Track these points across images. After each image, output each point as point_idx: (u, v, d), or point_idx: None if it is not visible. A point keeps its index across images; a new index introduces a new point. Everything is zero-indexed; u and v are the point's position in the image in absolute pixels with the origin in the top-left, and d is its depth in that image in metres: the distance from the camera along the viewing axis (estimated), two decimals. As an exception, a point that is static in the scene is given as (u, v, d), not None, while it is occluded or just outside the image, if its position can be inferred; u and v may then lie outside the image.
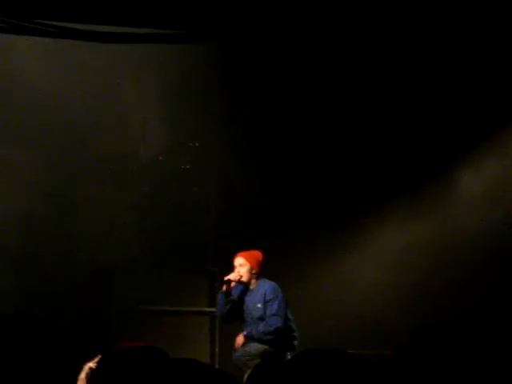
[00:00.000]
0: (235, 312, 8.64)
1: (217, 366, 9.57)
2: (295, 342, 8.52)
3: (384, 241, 10.13)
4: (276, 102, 10.07)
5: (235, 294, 8.60)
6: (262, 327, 8.43)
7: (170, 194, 10.29)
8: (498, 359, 2.52)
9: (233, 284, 8.58)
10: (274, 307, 8.42)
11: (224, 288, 8.61)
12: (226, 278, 8.57)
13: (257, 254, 8.64)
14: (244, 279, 8.57)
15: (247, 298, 8.59)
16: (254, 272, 8.57)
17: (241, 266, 8.58)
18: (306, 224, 10.17)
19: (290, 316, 8.59)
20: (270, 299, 8.46)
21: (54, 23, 6.99)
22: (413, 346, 2.58)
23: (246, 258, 8.58)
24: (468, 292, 9.80)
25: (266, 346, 8.40)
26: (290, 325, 8.54)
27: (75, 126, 9.82)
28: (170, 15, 7.08)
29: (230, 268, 8.76)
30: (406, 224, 10.10)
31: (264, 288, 8.52)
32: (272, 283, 8.57)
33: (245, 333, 8.53)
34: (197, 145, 10.37)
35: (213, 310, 9.87)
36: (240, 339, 8.58)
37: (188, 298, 10.10)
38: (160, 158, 10.40)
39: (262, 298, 8.48)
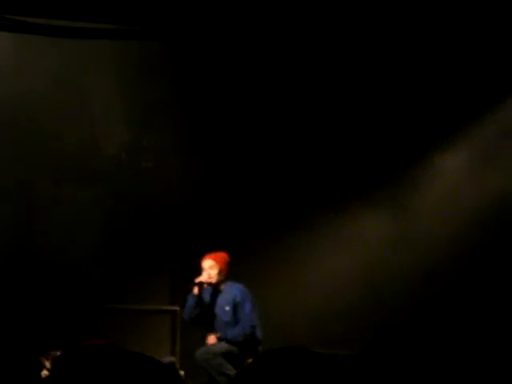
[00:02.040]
0: (203, 315, 8.59)
1: (178, 364, 9.54)
2: (259, 348, 8.48)
3: (354, 237, 10.13)
4: (236, 98, 10.06)
5: (206, 297, 8.55)
6: (238, 329, 8.39)
7: (132, 191, 10.24)
8: (461, 357, 2.51)
9: (204, 286, 8.53)
10: (246, 308, 8.40)
11: (196, 291, 8.55)
12: (198, 281, 8.51)
13: (224, 256, 8.62)
14: (214, 281, 8.52)
15: (216, 301, 8.54)
16: (223, 274, 8.53)
17: (211, 268, 8.54)
18: (270, 223, 10.15)
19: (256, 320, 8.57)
20: (239, 301, 8.42)
21: (11, 17, 6.93)
22: (374, 345, 2.56)
23: (216, 260, 8.55)
24: (439, 289, 9.83)
25: (230, 347, 8.37)
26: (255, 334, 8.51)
27: (37, 122, 9.74)
28: (126, 11, 7.05)
29: (193, 268, 8.70)
30: (375, 221, 10.10)
31: (233, 290, 8.49)
32: (240, 285, 8.55)
33: (218, 335, 8.49)
34: (156, 143, 10.33)
35: (174, 308, 9.83)
36: (212, 339, 8.54)
37: (149, 295, 10.05)
38: (123, 155, 10.34)
39: (231, 300, 8.45)
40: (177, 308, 9.72)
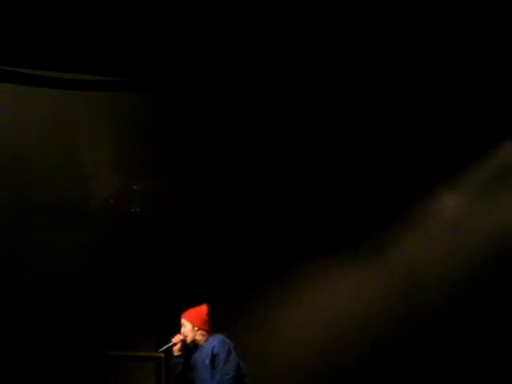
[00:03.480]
0: (188, 372, 8.59)
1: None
2: None
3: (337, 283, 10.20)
4: (224, 146, 10.19)
5: (185, 355, 8.55)
6: (216, 381, 8.36)
7: (121, 236, 10.31)
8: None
9: (177, 346, 8.54)
10: (221, 358, 8.33)
11: (173, 351, 8.55)
12: (172, 343, 8.53)
13: (199, 311, 8.55)
14: (188, 339, 8.50)
15: (196, 356, 8.54)
16: (197, 329, 8.49)
17: (183, 326, 8.52)
18: (259, 266, 10.22)
19: (244, 371, 8.53)
20: (216, 354, 8.41)
21: (6, 68, 7.04)
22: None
23: (187, 318, 8.51)
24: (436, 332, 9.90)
25: None
26: (244, 380, 8.45)
27: (25, 167, 9.83)
28: (117, 63, 7.17)
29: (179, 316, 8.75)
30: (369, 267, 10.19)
31: (212, 343, 8.43)
32: (220, 336, 8.46)
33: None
34: (145, 188, 10.42)
35: (159, 355, 9.83)
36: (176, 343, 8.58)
37: (135, 342, 10.07)
38: (112, 201, 10.42)
39: (209, 353, 8.40)
40: (161, 355, 9.73)
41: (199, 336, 8.47)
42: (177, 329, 8.64)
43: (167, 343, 8.52)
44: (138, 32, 7.21)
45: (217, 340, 8.41)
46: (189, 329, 8.48)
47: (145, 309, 10.19)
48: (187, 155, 10.30)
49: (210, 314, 8.56)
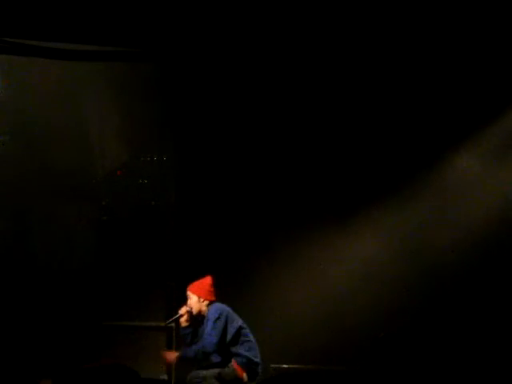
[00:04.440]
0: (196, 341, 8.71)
1: (173, 381, 9.61)
2: (258, 370, 8.54)
3: (345, 251, 10.20)
4: (229, 114, 10.16)
5: (191, 326, 8.65)
6: (193, 347, 8.50)
7: (128, 208, 10.32)
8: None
9: (184, 317, 8.65)
10: (209, 322, 8.49)
11: (181, 322, 8.70)
12: (179, 314, 8.66)
13: (204, 282, 8.71)
14: (194, 311, 8.67)
15: (203, 326, 8.66)
16: (202, 301, 8.66)
17: (189, 297, 8.71)
18: (265, 237, 10.22)
19: (246, 338, 8.61)
20: (209, 319, 8.53)
21: (9, 39, 7.02)
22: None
23: (192, 291, 8.69)
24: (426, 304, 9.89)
25: (222, 370, 8.44)
26: (242, 353, 8.54)
27: (34, 141, 9.84)
28: (119, 34, 7.15)
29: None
30: (367, 233, 10.17)
31: (208, 314, 8.60)
32: (217, 305, 8.64)
33: (179, 353, 8.62)
34: (155, 159, 10.41)
35: (171, 325, 9.88)
36: (170, 355, 8.74)
37: (145, 312, 10.11)
38: (119, 173, 10.42)
39: (205, 325, 8.59)
40: (172, 325, 9.78)
41: (204, 307, 8.63)
42: (184, 300, 8.74)
43: (174, 315, 8.65)
44: (140, 1, 7.19)
45: (213, 307, 8.56)
46: (195, 301, 8.68)
47: (153, 279, 10.22)
48: (193, 125, 10.28)
49: (215, 284, 8.69)
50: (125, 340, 9.90)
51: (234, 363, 8.47)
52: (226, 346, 8.51)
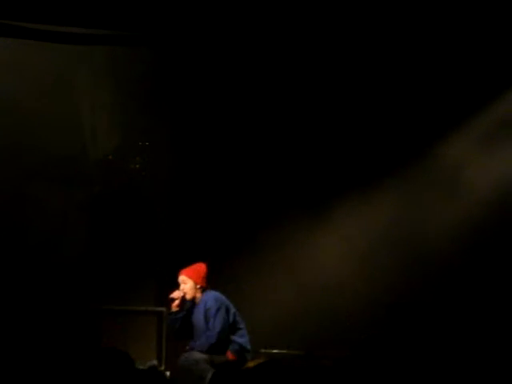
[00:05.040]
0: (185, 328, 8.68)
1: (163, 365, 9.64)
2: (247, 356, 8.57)
3: (333, 237, 10.24)
4: (224, 101, 10.17)
5: (183, 311, 8.64)
6: (203, 340, 8.46)
7: (119, 193, 10.32)
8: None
9: (177, 302, 8.63)
10: (211, 313, 8.45)
11: (172, 307, 8.65)
12: (170, 297, 8.62)
13: (200, 268, 8.66)
14: (188, 296, 8.61)
15: (194, 312, 8.63)
16: (198, 287, 8.61)
17: (184, 282, 8.62)
18: (254, 224, 10.26)
19: (240, 326, 8.64)
20: (209, 308, 8.50)
21: (5, 22, 7.00)
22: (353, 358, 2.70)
23: (188, 275, 8.62)
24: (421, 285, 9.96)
25: (212, 356, 8.45)
26: (237, 340, 8.56)
27: (26, 125, 9.80)
28: (114, 17, 7.14)
29: (179, 270, 8.78)
30: (356, 218, 10.22)
31: (206, 300, 8.55)
32: (214, 293, 8.62)
33: (188, 347, 8.62)
34: (146, 144, 10.41)
35: (160, 309, 9.91)
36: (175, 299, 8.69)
37: (135, 297, 10.13)
38: (110, 157, 10.41)
39: (203, 309, 8.55)
40: (163, 309, 9.81)
41: (199, 293, 8.59)
42: (175, 285, 8.73)
43: (168, 299, 8.61)
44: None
45: (210, 296, 8.54)
46: (190, 286, 8.60)
47: (144, 264, 10.25)
48: (187, 111, 10.28)
49: (208, 271, 8.66)
50: (114, 324, 9.91)
51: (228, 352, 8.50)
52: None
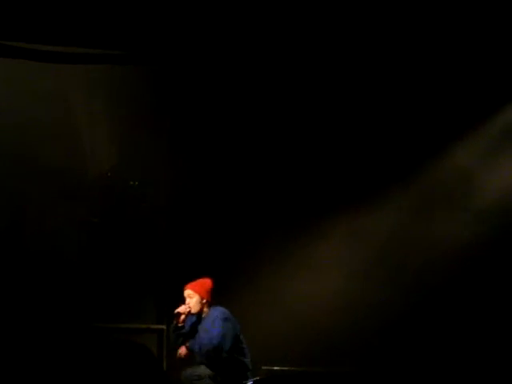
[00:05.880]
0: (189, 343, 8.64)
1: (164, 383, 9.58)
2: (248, 373, 8.50)
3: (331, 253, 10.23)
4: (219, 117, 10.18)
5: (188, 326, 8.59)
6: (206, 343, 8.42)
7: (119, 209, 10.31)
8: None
9: (182, 317, 8.57)
10: (216, 325, 8.40)
11: (175, 321, 8.59)
12: (176, 312, 8.55)
13: (206, 283, 8.60)
14: (194, 310, 8.54)
15: (199, 327, 8.57)
16: (204, 301, 8.55)
17: (190, 297, 8.55)
18: (254, 241, 10.24)
19: (243, 345, 8.57)
20: (214, 320, 8.43)
21: (1, 42, 6.99)
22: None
23: (194, 289, 8.56)
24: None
25: (215, 372, 8.40)
26: (241, 359, 8.50)
27: (24, 139, 9.81)
28: (111, 36, 7.13)
29: (180, 287, 8.74)
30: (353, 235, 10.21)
31: (214, 314, 8.48)
32: (221, 308, 8.55)
33: (187, 344, 8.55)
34: (143, 161, 10.40)
35: (161, 327, 9.88)
36: (182, 350, 8.63)
37: (136, 314, 10.10)
38: (109, 174, 10.40)
39: (211, 324, 8.47)
40: (163, 327, 9.78)
41: (205, 308, 8.53)
42: (175, 301, 8.69)
43: (174, 314, 8.53)
44: (135, 4, 7.17)
45: (218, 311, 8.48)
46: (197, 300, 8.52)
47: (144, 281, 10.22)
48: (185, 128, 10.28)
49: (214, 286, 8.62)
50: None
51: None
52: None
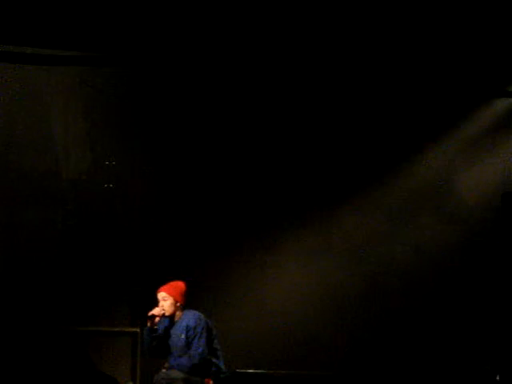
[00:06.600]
0: (162, 346, 8.61)
1: (138, 385, 9.60)
2: (221, 376, 8.50)
3: (310, 256, 10.26)
4: (196, 121, 10.19)
5: (161, 329, 8.58)
6: (186, 359, 8.39)
7: (93, 213, 10.29)
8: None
9: (157, 319, 8.55)
10: (196, 332, 8.38)
11: (149, 324, 8.56)
12: (150, 314, 8.51)
13: (179, 286, 8.60)
14: (168, 313, 8.53)
15: (172, 331, 8.57)
16: (178, 304, 8.54)
17: (164, 299, 8.53)
18: (230, 243, 10.26)
19: (217, 346, 8.59)
20: (192, 327, 8.43)
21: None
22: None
23: (169, 292, 8.55)
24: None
25: (190, 374, 8.39)
26: (214, 361, 8.50)
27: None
28: (86, 39, 7.13)
29: (154, 290, 8.73)
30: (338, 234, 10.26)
31: (187, 318, 8.48)
32: (195, 312, 8.54)
33: (169, 363, 8.53)
34: (117, 164, 10.39)
35: (134, 329, 9.86)
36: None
37: (109, 317, 10.08)
38: (83, 177, 10.39)
39: (184, 328, 8.46)
40: (137, 330, 9.76)
41: (178, 311, 8.53)
42: (149, 305, 8.67)
43: (147, 316, 8.52)
44: (112, 6, 7.17)
45: (192, 315, 8.48)
46: (170, 303, 8.52)
47: (117, 284, 10.20)
48: (160, 131, 10.29)
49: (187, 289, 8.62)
50: (88, 345, 9.85)
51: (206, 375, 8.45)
52: None
